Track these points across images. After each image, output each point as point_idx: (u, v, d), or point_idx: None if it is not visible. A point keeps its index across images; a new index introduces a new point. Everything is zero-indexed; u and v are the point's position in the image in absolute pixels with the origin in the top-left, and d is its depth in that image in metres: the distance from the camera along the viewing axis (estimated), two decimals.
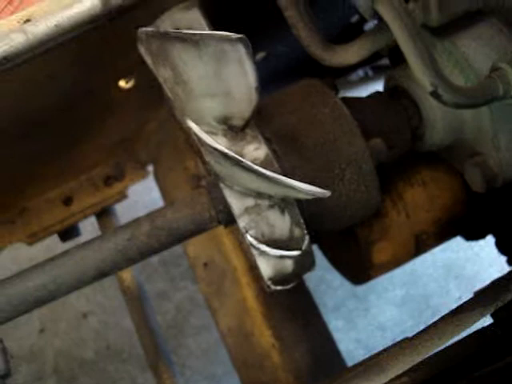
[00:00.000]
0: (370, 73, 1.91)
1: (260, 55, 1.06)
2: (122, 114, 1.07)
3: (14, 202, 1.19)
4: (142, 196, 1.95)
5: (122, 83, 0.93)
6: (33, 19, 0.61)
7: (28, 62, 0.63)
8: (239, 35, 0.60)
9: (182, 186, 1.12)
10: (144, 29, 0.64)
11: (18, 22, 0.61)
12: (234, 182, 0.67)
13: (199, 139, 0.63)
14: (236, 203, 0.67)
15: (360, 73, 1.88)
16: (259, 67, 1.09)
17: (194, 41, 0.61)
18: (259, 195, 0.67)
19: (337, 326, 1.96)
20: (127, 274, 1.38)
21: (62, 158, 1.10)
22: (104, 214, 1.37)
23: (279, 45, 1.03)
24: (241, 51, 0.61)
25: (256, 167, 0.61)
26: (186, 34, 0.61)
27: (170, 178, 1.18)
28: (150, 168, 1.30)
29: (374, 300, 2.04)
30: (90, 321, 2.02)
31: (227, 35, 0.60)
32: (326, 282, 1.97)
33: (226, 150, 0.61)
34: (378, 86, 0.91)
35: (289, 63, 1.12)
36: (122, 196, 1.28)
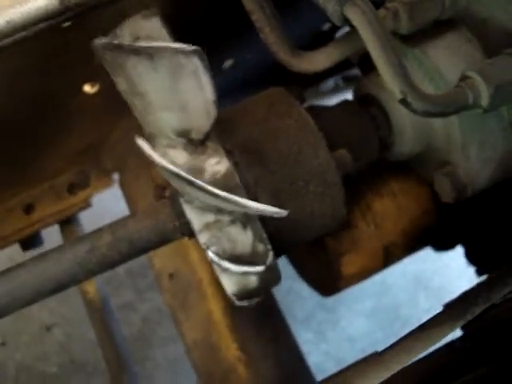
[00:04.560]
0: (341, 82, 1.92)
1: (228, 63, 1.04)
2: (87, 119, 1.04)
3: None
4: (110, 205, 1.91)
5: (86, 88, 0.91)
6: None
7: None
8: (194, 47, 0.58)
9: (148, 196, 1.09)
10: (98, 40, 0.61)
11: None
12: (193, 198, 0.65)
13: (150, 157, 0.61)
14: (196, 219, 0.65)
15: (331, 83, 1.89)
16: (228, 75, 1.08)
17: (148, 53, 0.59)
18: (220, 211, 0.64)
19: (306, 338, 1.95)
20: (91, 287, 1.34)
21: (24, 163, 1.07)
22: (68, 223, 1.33)
23: (247, 52, 1.01)
24: (196, 64, 0.59)
25: (208, 187, 0.59)
26: (140, 46, 0.59)
27: (135, 187, 1.15)
28: (117, 177, 1.27)
29: (344, 311, 2.03)
30: (54, 333, 1.96)
31: (182, 47, 0.58)
32: (294, 293, 1.96)
33: (177, 170, 0.58)
34: (349, 96, 0.90)
35: (259, 71, 1.11)
36: (86, 205, 1.24)
